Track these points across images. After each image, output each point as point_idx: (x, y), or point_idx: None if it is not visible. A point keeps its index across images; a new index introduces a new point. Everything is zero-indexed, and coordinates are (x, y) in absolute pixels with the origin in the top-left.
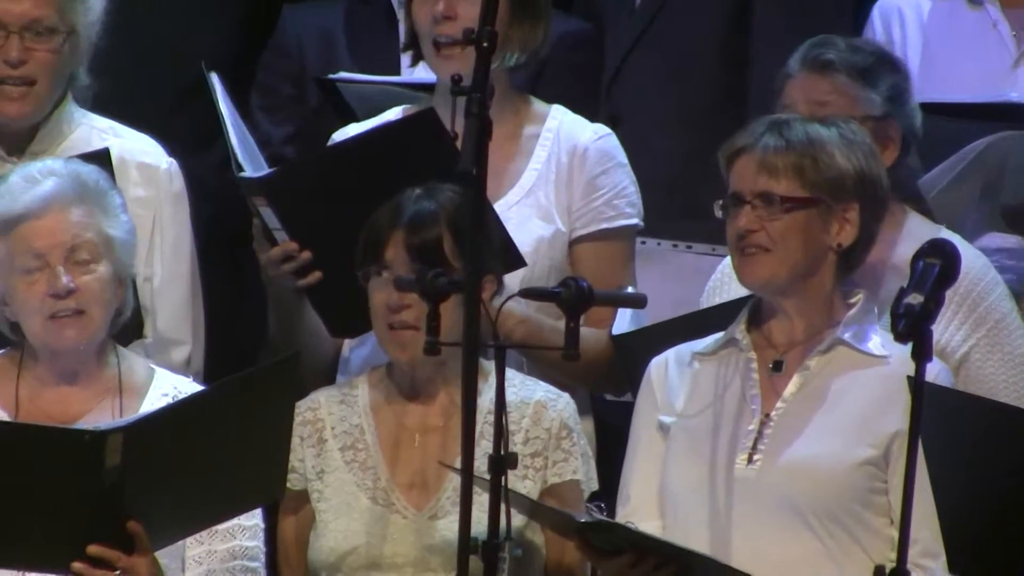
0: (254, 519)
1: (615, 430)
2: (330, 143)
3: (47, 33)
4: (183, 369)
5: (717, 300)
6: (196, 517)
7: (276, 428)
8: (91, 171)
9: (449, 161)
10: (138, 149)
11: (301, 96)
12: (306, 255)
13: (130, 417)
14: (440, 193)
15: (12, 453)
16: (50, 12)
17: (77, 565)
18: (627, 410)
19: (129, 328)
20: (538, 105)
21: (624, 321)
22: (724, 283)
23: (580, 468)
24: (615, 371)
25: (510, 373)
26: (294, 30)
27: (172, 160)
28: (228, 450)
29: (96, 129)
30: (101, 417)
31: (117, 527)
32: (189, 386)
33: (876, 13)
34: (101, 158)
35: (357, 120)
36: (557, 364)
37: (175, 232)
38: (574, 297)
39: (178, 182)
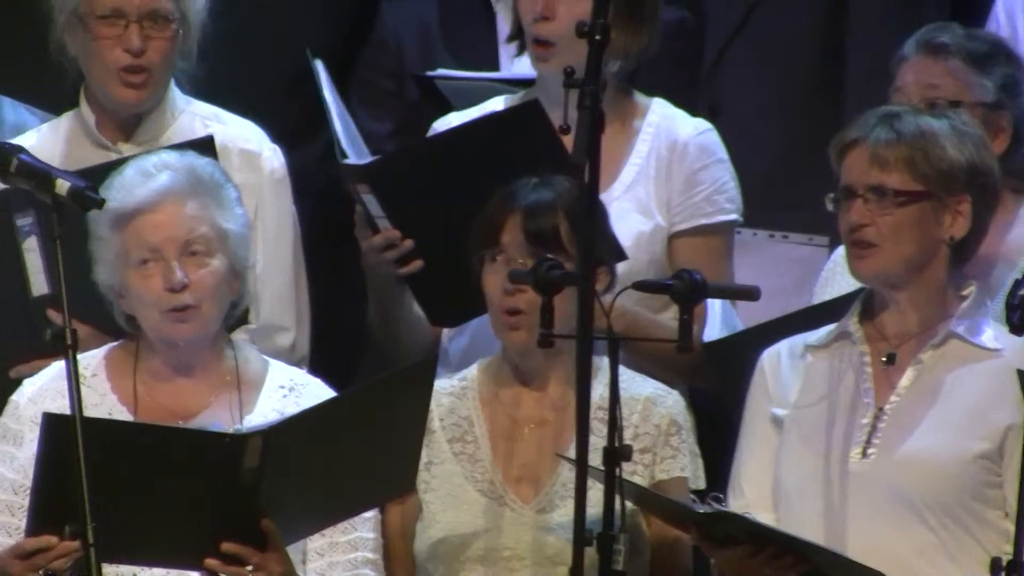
0: (372, 510)
1: (716, 422)
2: (431, 132)
3: (164, 21)
4: (288, 354)
5: (829, 291)
6: (327, 513)
7: (410, 428)
8: (206, 164)
9: (552, 154)
10: (240, 135)
11: (400, 91)
12: (408, 243)
13: (271, 420)
14: (556, 182)
15: (153, 454)
16: (167, 1)
17: (211, 562)
18: (726, 403)
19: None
20: (639, 99)
21: (713, 323)
22: (837, 273)
23: (688, 465)
24: (708, 367)
25: (619, 368)
26: (392, 25)
27: (274, 146)
28: (363, 451)
29: (199, 116)
30: (219, 411)
31: (251, 524)
32: (304, 378)
33: (1000, 6)
34: (205, 145)
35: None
36: (656, 357)
37: (277, 218)
38: (687, 289)
39: (280, 168)
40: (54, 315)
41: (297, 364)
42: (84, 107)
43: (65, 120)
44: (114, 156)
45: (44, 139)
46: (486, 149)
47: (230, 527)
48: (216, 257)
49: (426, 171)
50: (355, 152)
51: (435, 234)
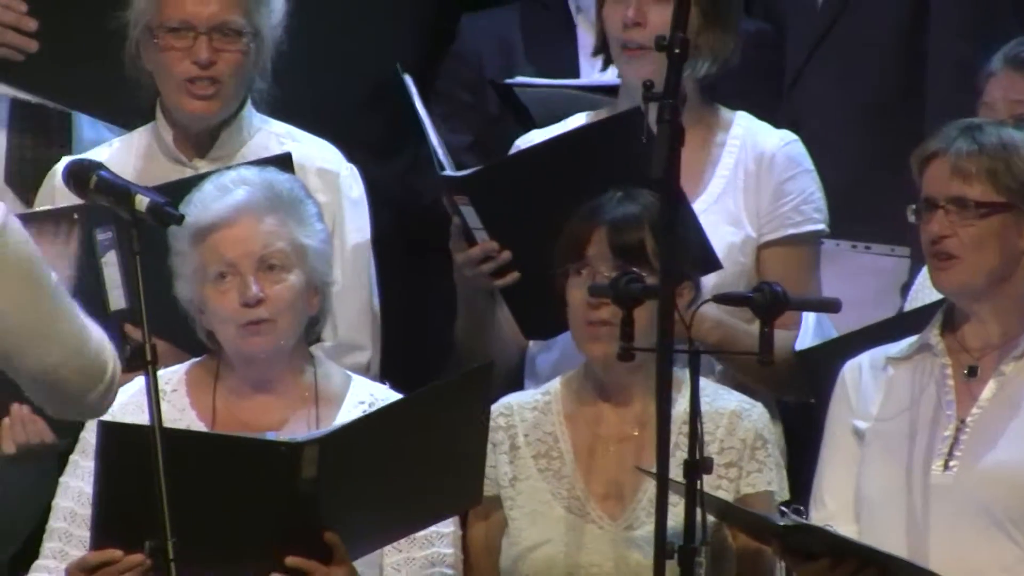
0: (451, 525)
1: (800, 434)
2: (514, 149)
3: (234, 35)
4: (362, 373)
5: (918, 303)
6: (393, 526)
7: (472, 436)
8: (285, 180)
9: (646, 164)
10: (317, 155)
11: (479, 103)
12: (506, 255)
13: (326, 428)
14: (642, 196)
15: (210, 464)
16: (238, 14)
17: None
18: (810, 414)
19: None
20: (724, 112)
21: (806, 332)
22: (926, 286)
23: (774, 479)
24: (797, 377)
25: (703, 382)
26: (472, 38)
27: (351, 166)
28: (424, 459)
29: (274, 134)
30: (298, 426)
31: (314, 538)
32: (385, 393)
33: None
34: (284, 162)
35: (536, 125)
36: (749, 369)
37: (355, 238)
38: (768, 301)
39: (357, 188)
40: (131, 330)
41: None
42: (160, 122)
43: (140, 135)
44: (189, 172)
45: (118, 153)
46: (584, 159)
47: (293, 540)
48: (293, 272)
49: (525, 182)
50: (451, 165)
51: (531, 246)
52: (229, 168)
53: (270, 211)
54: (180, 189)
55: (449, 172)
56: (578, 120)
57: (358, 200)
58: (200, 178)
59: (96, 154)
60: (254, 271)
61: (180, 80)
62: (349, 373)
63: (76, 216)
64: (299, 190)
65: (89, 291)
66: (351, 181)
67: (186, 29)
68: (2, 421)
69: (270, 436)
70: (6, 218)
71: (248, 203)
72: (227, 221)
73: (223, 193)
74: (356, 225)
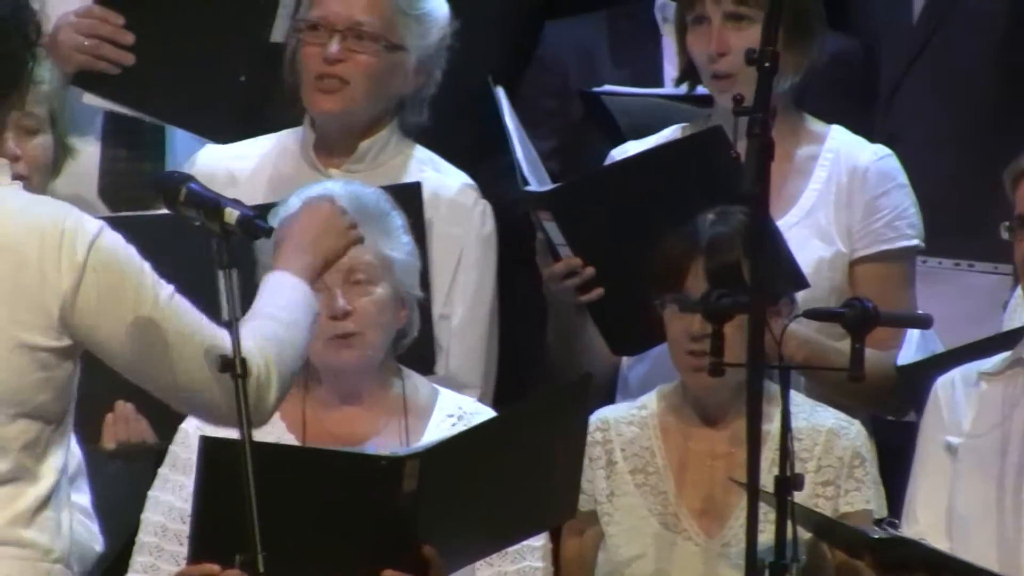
0: (542, 539)
1: (895, 450)
2: (609, 160)
3: (368, 38)
4: None
5: (1017, 319)
6: (488, 540)
7: (569, 449)
8: (370, 193)
9: (735, 180)
10: (453, 186)
11: (563, 110)
12: (589, 271)
13: (425, 442)
14: (733, 216)
15: (309, 478)
16: (375, 18)
17: None
18: (906, 430)
19: (421, 362)
20: (816, 126)
21: (910, 347)
22: (1020, 305)
23: (872, 497)
24: (897, 393)
25: (800, 398)
26: (556, 45)
27: (485, 202)
28: (521, 473)
29: (416, 159)
30: (387, 438)
31: (411, 552)
32: (473, 406)
33: None
34: (410, 191)
35: (621, 134)
36: (839, 385)
37: (480, 274)
38: (859, 318)
39: (489, 224)
40: None
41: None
42: (306, 126)
43: (288, 135)
44: (321, 179)
45: (257, 148)
46: (667, 175)
47: (390, 554)
48: (380, 285)
49: (608, 198)
50: (536, 179)
51: (616, 261)
52: (316, 183)
53: (356, 224)
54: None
55: (532, 188)
56: (672, 132)
57: (488, 237)
58: None
59: (239, 146)
60: (340, 284)
61: (311, 77)
62: (436, 386)
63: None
64: (385, 203)
65: (206, 297)
66: (483, 217)
67: (324, 26)
68: (106, 417)
69: (370, 449)
70: (101, 230)
71: None
72: None
73: None
74: (483, 262)
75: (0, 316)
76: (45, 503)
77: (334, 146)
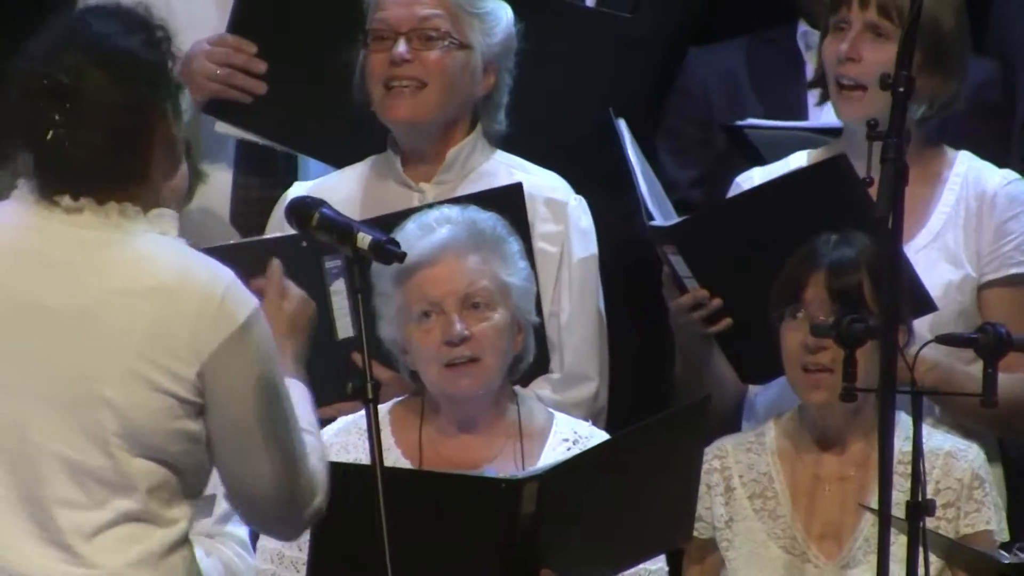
0: (659, 562)
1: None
2: (734, 188)
3: (436, 36)
4: (590, 404)
5: None
6: (606, 563)
7: (685, 473)
8: (487, 218)
9: (859, 208)
10: (546, 185)
11: (707, 139)
12: (716, 302)
13: (543, 464)
14: (857, 239)
15: (429, 501)
16: (438, 16)
17: None
18: None
19: (535, 362)
20: (946, 151)
21: None
22: None
23: (993, 518)
24: None
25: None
26: (699, 73)
27: (580, 197)
28: (638, 495)
29: (504, 164)
30: (504, 463)
31: (530, 575)
32: (588, 430)
33: None
34: (514, 192)
35: (764, 163)
36: (970, 410)
37: (583, 268)
38: (992, 343)
39: (586, 218)
40: (358, 359)
41: (597, 414)
42: (390, 146)
43: (372, 160)
44: (416, 196)
45: (345, 177)
46: (791, 205)
47: None
48: (497, 311)
49: (732, 229)
50: (661, 213)
51: (742, 292)
52: (432, 207)
53: (473, 249)
54: (387, 225)
55: (656, 222)
56: (799, 159)
57: (586, 230)
58: (405, 215)
59: (325, 179)
60: (458, 309)
61: (380, 84)
62: (551, 411)
63: (305, 244)
64: (501, 228)
65: (319, 318)
66: (579, 211)
67: (388, 32)
68: None
69: (488, 472)
70: (253, 314)
71: (452, 241)
72: (431, 260)
73: (426, 232)
74: (584, 255)
75: (144, 355)
76: (173, 549)
77: (419, 159)
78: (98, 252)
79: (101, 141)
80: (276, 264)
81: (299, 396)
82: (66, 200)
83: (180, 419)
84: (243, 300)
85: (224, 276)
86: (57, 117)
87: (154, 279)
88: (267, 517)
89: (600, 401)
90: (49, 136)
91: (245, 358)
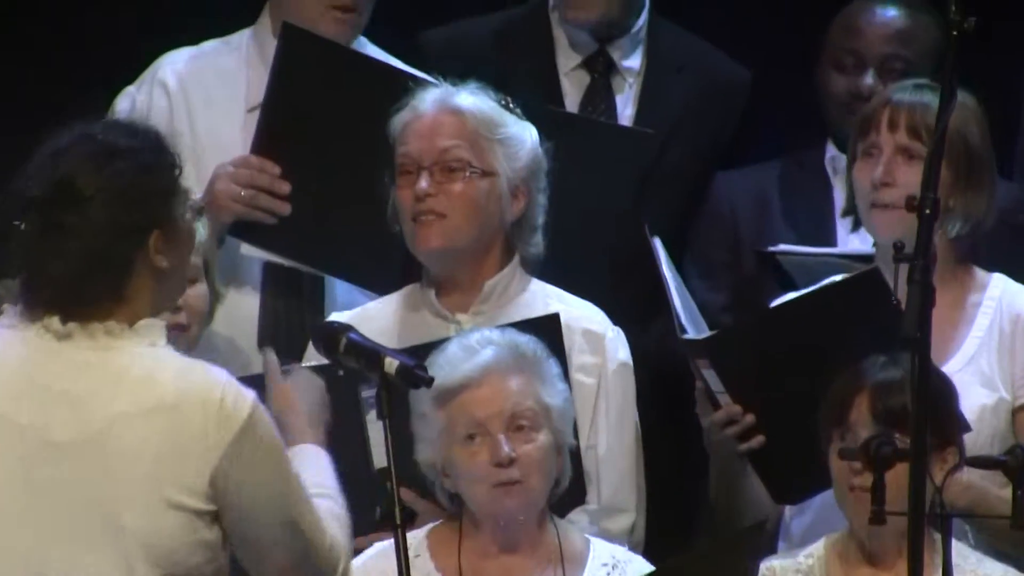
0: None
1: None
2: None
3: (457, 167)
4: (626, 537)
5: None
6: None
7: None
8: (528, 340)
9: (893, 324)
10: (584, 316)
11: (736, 262)
12: (749, 418)
13: None
14: (904, 361)
15: None
16: (458, 147)
17: None
18: None
19: (571, 493)
20: (979, 272)
21: None
22: None
23: None
24: None
25: (966, 550)
26: (727, 196)
27: (618, 328)
28: None
29: (541, 294)
30: None
31: None
32: (626, 555)
33: None
34: (550, 323)
35: (797, 289)
36: (1003, 533)
37: (620, 401)
38: (1021, 465)
39: (624, 351)
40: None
41: (634, 548)
42: (425, 278)
43: (408, 291)
44: (452, 327)
45: (381, 307)
46: (825, 319)
47: None
48: (542, 432)
49: (765, 343)
50: (694, 327)
51: (776, 408)
52: (473, 330)
53: (516, 371)
54: (424, 353)
55: (689, 336)
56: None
57: (624, 363)
58: (442, 341)
59: (363, 309)
60: (504, 431)
61: (408, 218)
62: (587, 536)
63: (341, 373)
64: (541, 351)
65: (352, 448)
66: (617, 344)
67: (411, 166)
68: None
69: None
70: (254, 408)
71: (496, 363)
72: (475, 381)
73: (469, 354)
74: (622, 388)
75: (157, 477)
76: None
77: (454, 288)
78: (93, 376)
79: (75, 264)
80: (271, 356)
81: (314, 461)
82: (55, 324)
83: (198, 531)
84: (242, 396)
85: (219, 377)
86: (36, 239)
87: (154, 397)
88: None
89: (637, 534)
90: (29, 257)
91: (254, 453)
